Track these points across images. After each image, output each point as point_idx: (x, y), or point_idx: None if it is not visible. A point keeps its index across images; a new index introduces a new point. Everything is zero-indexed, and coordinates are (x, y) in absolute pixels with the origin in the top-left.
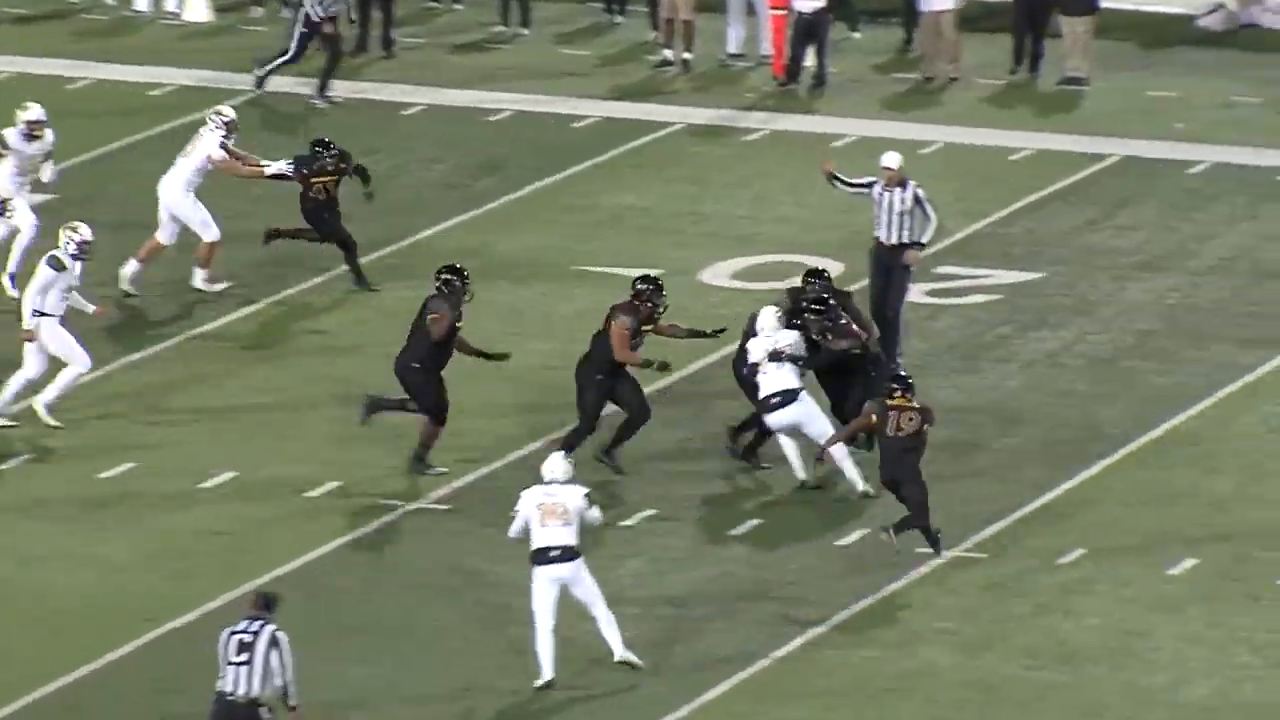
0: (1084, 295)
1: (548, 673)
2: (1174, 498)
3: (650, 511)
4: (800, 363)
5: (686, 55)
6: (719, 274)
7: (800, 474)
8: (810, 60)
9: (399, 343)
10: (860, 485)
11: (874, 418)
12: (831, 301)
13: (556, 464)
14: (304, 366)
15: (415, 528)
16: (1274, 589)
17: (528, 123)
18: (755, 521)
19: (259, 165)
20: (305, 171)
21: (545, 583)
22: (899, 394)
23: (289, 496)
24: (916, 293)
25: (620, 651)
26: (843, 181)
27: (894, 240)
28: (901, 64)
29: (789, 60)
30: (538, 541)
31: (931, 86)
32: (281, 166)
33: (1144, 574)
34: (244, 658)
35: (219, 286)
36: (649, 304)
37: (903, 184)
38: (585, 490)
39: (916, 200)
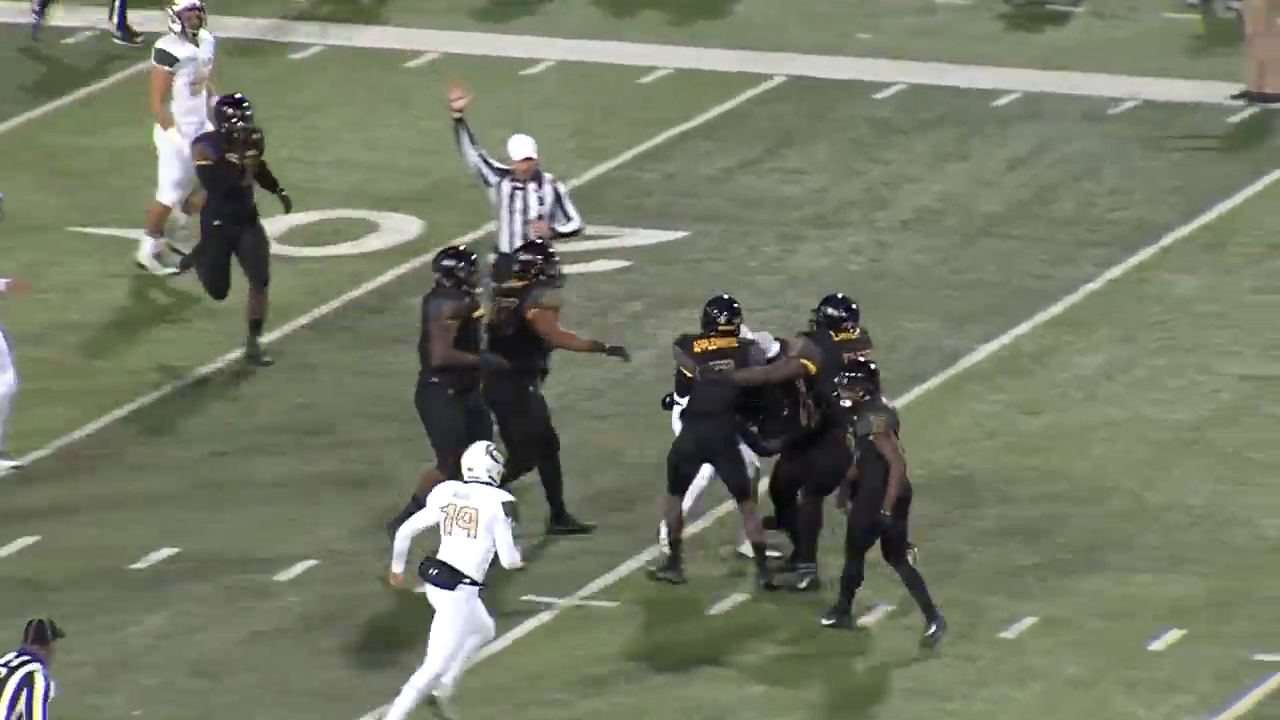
0: (740, 260)
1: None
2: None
3: None
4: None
5: None
6: None
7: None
8: None
9: None
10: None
11: (810, 367)
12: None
13: (475, 454)
14: None
15: None
16: None
17: None
18: None
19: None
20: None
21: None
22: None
23: None
24: None
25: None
26: (470, 137)
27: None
28: None
29: None
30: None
31: None
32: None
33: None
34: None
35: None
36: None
37: (538, 179)
38: (507, 497)
39: (557, 200)
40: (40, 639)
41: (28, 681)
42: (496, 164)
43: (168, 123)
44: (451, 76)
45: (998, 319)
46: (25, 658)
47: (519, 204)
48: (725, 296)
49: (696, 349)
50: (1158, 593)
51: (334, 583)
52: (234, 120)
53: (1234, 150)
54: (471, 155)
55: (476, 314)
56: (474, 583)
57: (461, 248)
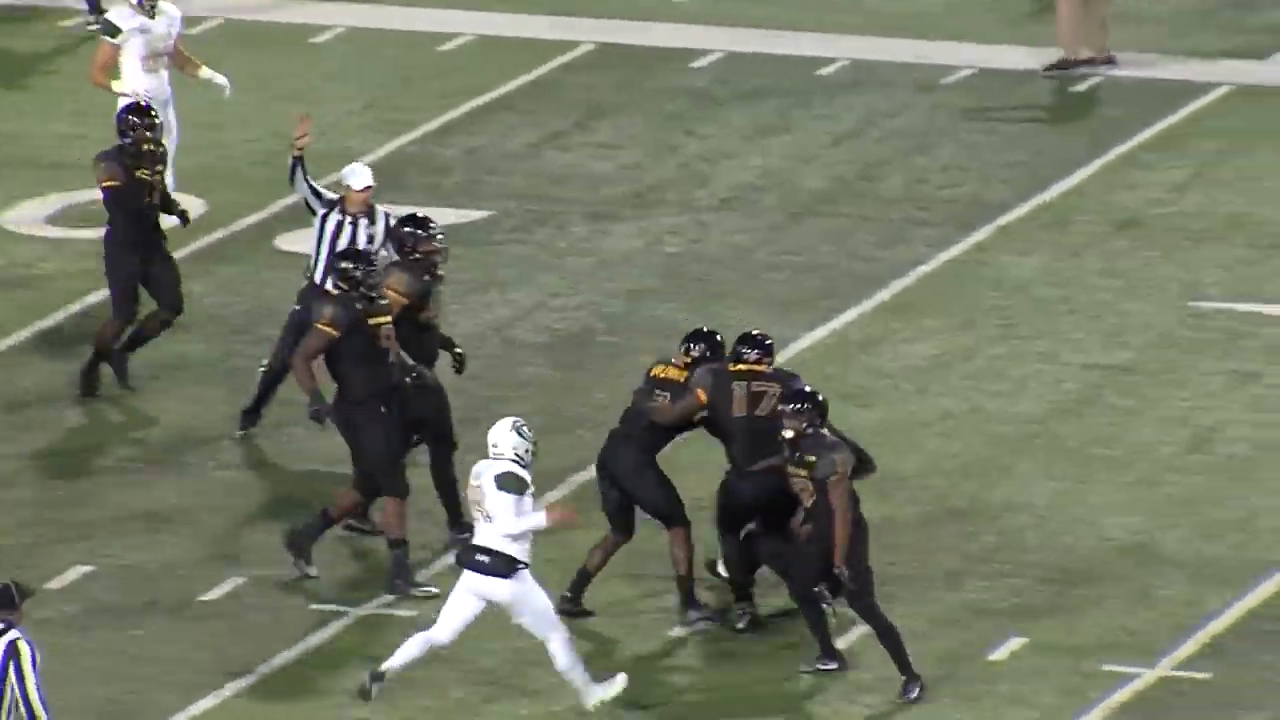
0: (548, 242)
1: (391, 662)
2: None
3: None
4: None
5: None
6: (27, 218)
7: None
8: None
9: None
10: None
11: (702, 396)
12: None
13: (500, 430)
14: None
15: None
16: None
17: None
18: None
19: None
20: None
21: (461, 590)
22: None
23: None
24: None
25: (591, 696)
26: (304, 170)
27: None
28: None
29: None
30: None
31: None
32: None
33: None
34: None
35: None
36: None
37: (371, 214)
38: (506, 468)
39: (388, 234)
40: (8, 604)
41: (12, 651)
42: (326, 194)
43: (103, 88)
44: (301, 116)
45: (824, 304)
46: (0, 626)
47: (345, 238)
48: (703, 329)
49: (652, 373)
50: (997, 599)
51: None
52: (141, 131)
53: (1075, 124)
54: (302, 187)
55: (374, 322)
56: (524, 564)
57: (359, 248)
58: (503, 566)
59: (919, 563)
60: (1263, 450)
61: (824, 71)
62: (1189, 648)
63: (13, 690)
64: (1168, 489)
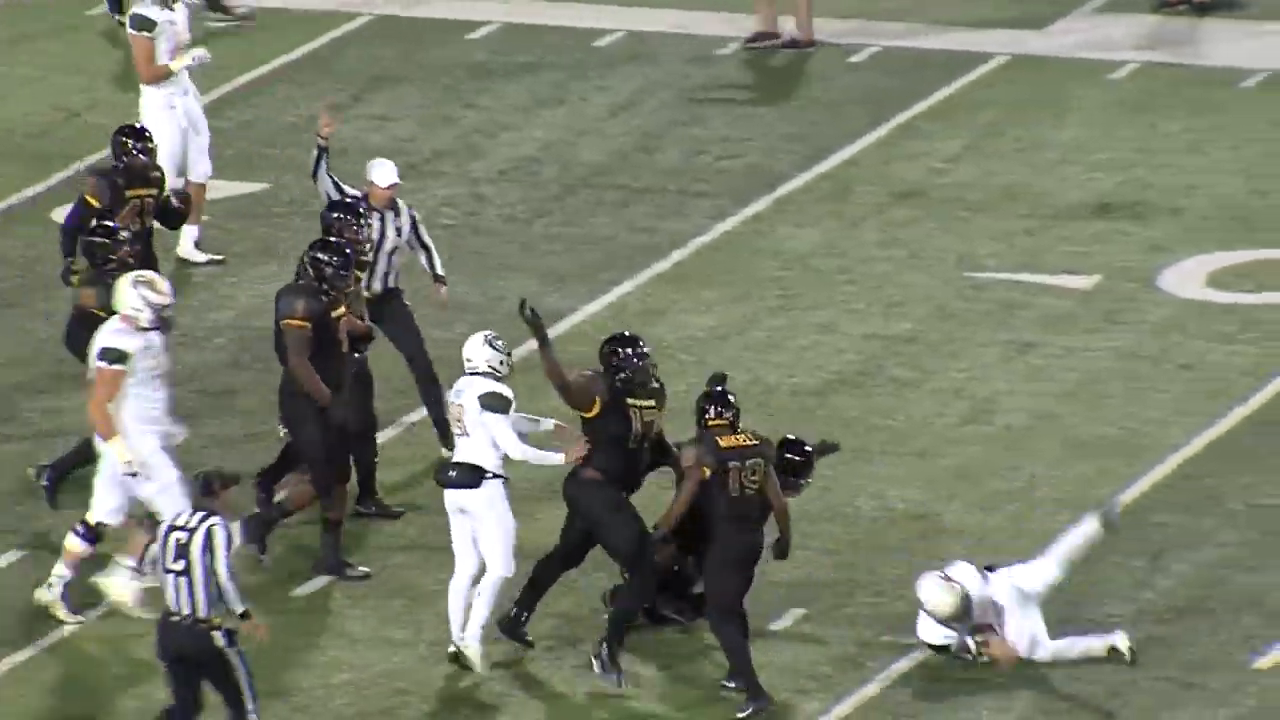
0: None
1: (456, 632)
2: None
3: None
4: None
5: None
6: None
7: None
8: None
9: None
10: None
11: (705, 470)
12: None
13: (473, 344)
14: None
15: None
16: None
17: None
18: None
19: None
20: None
21: (451, 511)
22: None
23: None
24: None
25: (468, 636)
26: (327, 163)
27: (385, 287)
28: None
29: None
30: None
31: None
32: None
33: None
34: (180, 565)
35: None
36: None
37: (395, 207)
38: (488, 388)
39: (414, 228)
40: (208, 491)
41: (209, 538)
42: (349, 190)
43: (160, 79)
44: (325, 105)
45: (602, 276)
46: (200, 514)
47: (374, 234)
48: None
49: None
50: (777, 569)
51: None
52: (135, 153)
53: (852, 94)
54: (325, 181)
55: (335, 314)
56: (495, 475)
57: (334, 241)
58: (468, 477)
59: None
60: (1039, 420)
61: (600, 43)
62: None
63: (214, 578)
64: (946, 460)
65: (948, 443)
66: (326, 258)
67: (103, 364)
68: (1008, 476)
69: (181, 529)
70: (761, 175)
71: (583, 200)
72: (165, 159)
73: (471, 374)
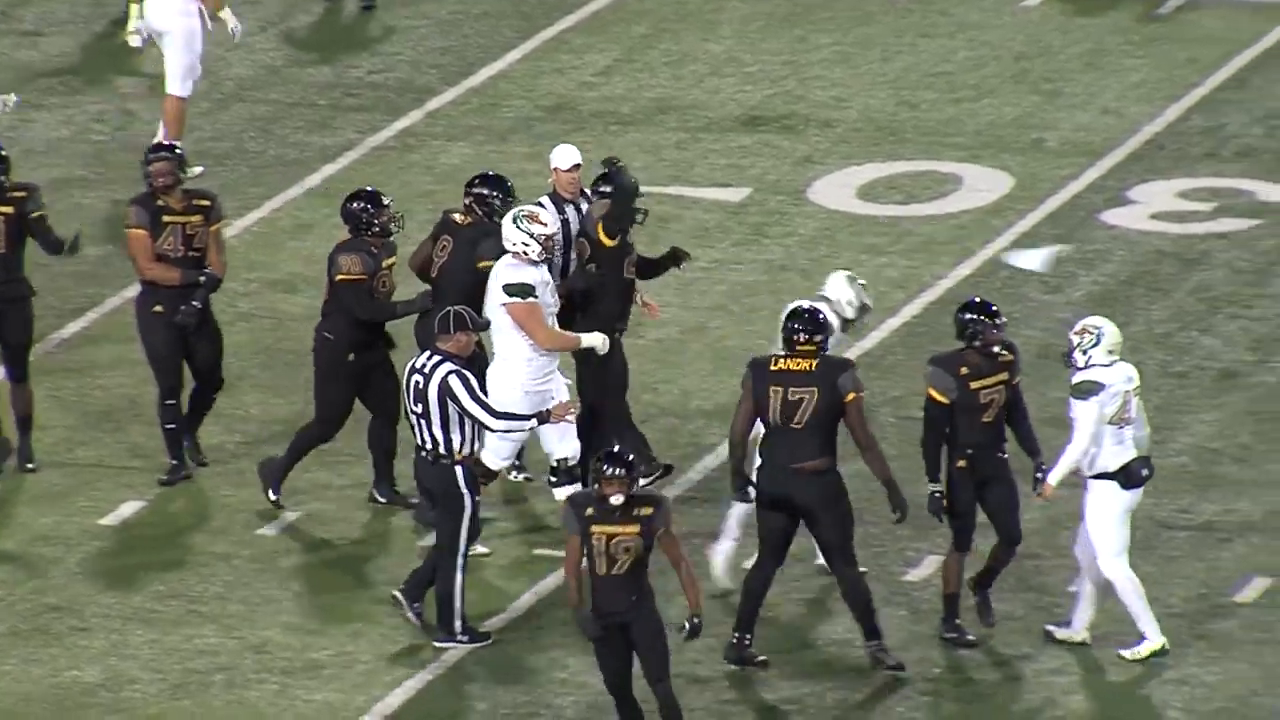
0: None
1: None
2: None
3: None
4: None
5: None
6: None
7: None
8: None
9: None
10: None
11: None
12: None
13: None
14: None
15: None
16: None
17: None
18: None
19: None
20: None
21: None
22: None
23: None
24: None
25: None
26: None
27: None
28: None
29: None
30: None
31: None
32: None
33: None
34: (419, 408)
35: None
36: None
37: (584, 194)
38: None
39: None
40: (445, 329)
41: (446, 387)
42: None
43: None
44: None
45: (252, 191)
46: (435, 359)
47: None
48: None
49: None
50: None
51: None
52: (160, 173)
53: (502, 7)
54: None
55: (386, 264)
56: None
57: (370, 188)
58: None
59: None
60: (690, 333)
61: None
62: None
63: (453, 423)
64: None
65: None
66: (358, 205)
67: (516, 300)
68: (660, 390)
69: (419, 372)
70: (412, 89)
71: (232, 114)
72: (181, 74)
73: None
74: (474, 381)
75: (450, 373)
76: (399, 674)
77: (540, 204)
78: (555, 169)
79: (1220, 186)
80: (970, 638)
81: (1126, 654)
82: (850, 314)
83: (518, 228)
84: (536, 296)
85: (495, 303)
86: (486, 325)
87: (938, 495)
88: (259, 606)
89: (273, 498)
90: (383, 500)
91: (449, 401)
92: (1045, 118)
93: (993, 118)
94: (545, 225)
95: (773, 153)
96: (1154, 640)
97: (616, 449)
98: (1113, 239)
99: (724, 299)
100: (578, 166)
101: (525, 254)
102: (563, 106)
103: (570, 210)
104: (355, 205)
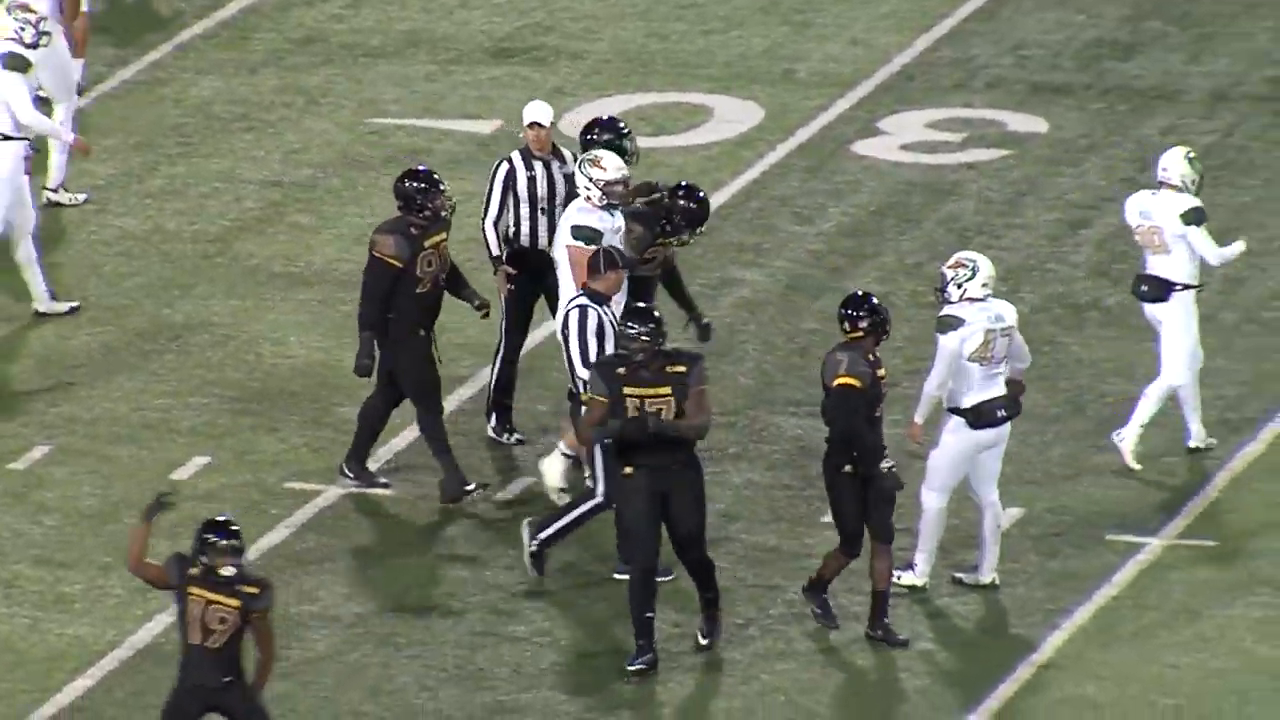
0: None
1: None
2: None
3: None
4: None
5: None
6: None
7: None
8: None
9: None
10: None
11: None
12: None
13: (1173, 157)
14: None
15: None
16: None
17: None
18: None
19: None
20: None
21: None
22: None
23: None
24: None
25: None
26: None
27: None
28: None
29: None
30: None
31: None
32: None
33: None
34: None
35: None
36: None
37: (559, 153)
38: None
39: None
40: (594, 269)
41: (566, 319)
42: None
43: None
44: None
45: None
46: (580, 294)
47: (539, 184)
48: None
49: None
50: (179, 417)
51: None
52: None
53: None
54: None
55: (431, 243)
56: (1186, 287)
57: (422, 167)
58: (1159, 291)
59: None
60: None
61: None
62: (395, 458)
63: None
64: (347, 308)
65: (354, 287)
66: (410, 185)
67: (579, 243)
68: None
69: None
70: (160, 21)
71: None
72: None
73: (1163, 184)
74: (593, 322)
75: (576, 306)
76: (150, 607)
77: (603, 151)
78: (526, 125)
79: (970, 117)
80: (902, 638)
81: (907, 578)
82: (1193, 190)
83: (581, 172)
84: (598, 244)
85: (560, 243)
86: (635, 264)
87: None
88: (7, 540)
89: (469, 487)
90: (350, 477)
91: (566, 332)
92: (795, 49)
93: (743, 49)
94: (605, 170)
95: (523, 84)
96: (919, 576)
97: (225, 517)
98: (863, 170)
99: (475, 231)
100: (537, 124)
101: (589, 199)
102: (313, 39)
103: (539, 166)
104: (410, 185)
